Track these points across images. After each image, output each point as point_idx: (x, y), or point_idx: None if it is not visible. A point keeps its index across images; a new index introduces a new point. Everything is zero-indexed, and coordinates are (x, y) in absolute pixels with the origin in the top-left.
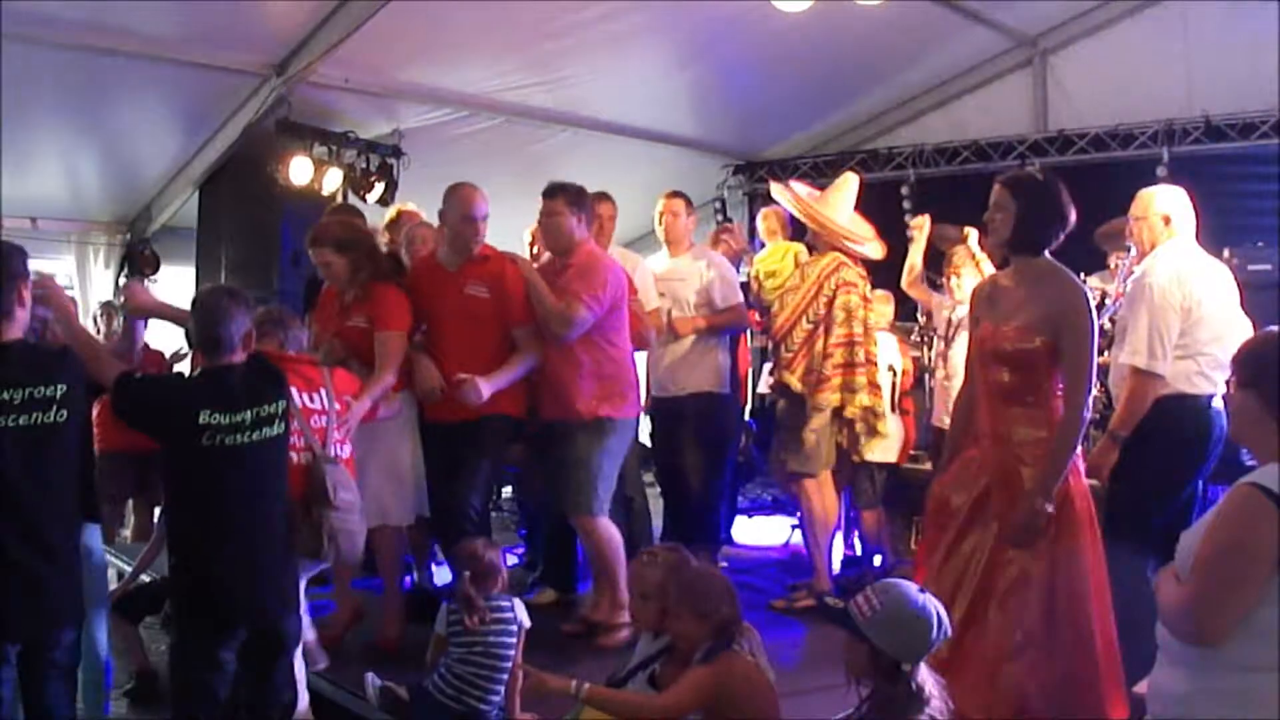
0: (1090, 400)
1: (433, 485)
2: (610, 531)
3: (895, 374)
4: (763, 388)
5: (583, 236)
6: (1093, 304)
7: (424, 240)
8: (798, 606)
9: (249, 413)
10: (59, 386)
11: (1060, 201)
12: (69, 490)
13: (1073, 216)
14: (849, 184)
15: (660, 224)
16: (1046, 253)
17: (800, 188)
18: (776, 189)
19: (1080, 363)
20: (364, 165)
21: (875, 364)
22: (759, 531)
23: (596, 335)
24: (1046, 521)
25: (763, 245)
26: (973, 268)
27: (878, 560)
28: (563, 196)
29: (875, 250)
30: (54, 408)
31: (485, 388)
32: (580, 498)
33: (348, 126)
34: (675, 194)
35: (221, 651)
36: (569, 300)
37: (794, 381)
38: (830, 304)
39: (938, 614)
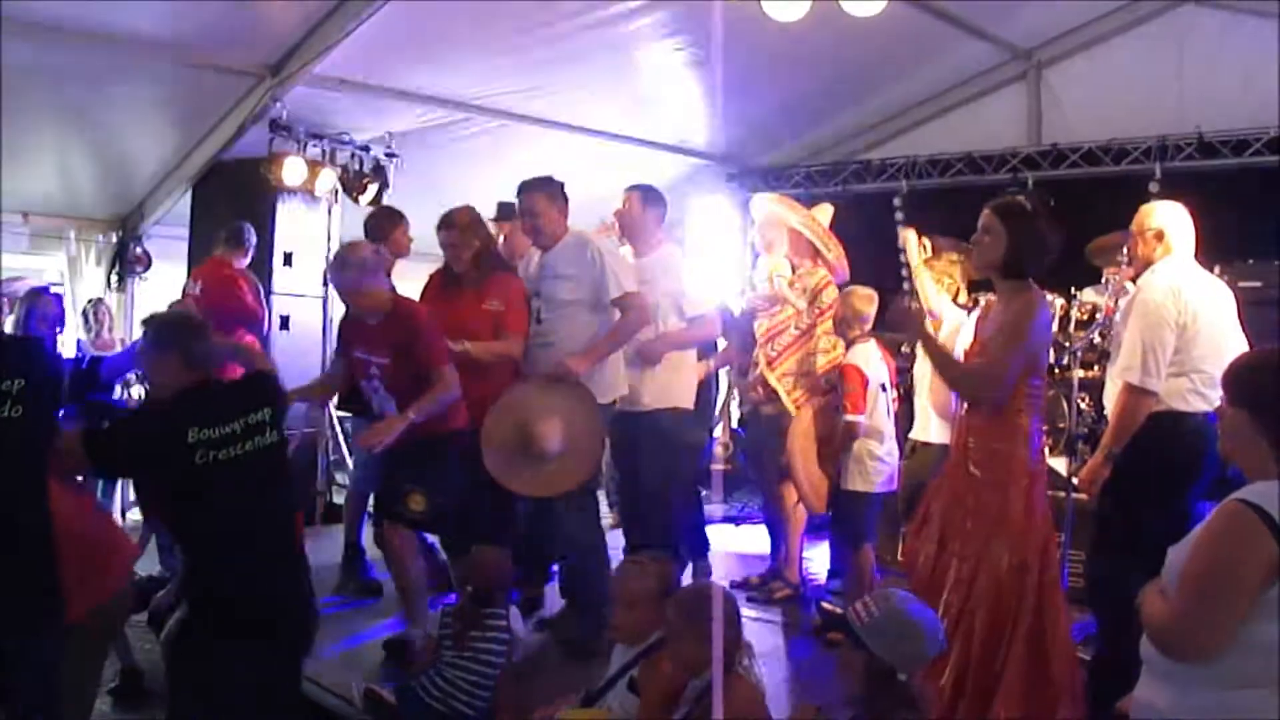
0: (996, 393)
1: None
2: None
3: (886, 391)
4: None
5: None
6: (1049, 319)
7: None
8: (777, 598)
9: (238, 424)
10: (16, 381)
11: (1046, 232)
12: (36, 487)
13: (1056, 244)
14: (826, 213)
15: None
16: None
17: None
18: (762, 198)
19: (990, 350)
20: (357, 167)
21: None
22: (746, 540)
23: None
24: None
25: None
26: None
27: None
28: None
29: (841, 274)
30: (8, 403)
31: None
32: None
33: (341, 128)
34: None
35: (249, 655)
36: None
37: (772, 378)
38: (819, 316)
39: (934, 625)
